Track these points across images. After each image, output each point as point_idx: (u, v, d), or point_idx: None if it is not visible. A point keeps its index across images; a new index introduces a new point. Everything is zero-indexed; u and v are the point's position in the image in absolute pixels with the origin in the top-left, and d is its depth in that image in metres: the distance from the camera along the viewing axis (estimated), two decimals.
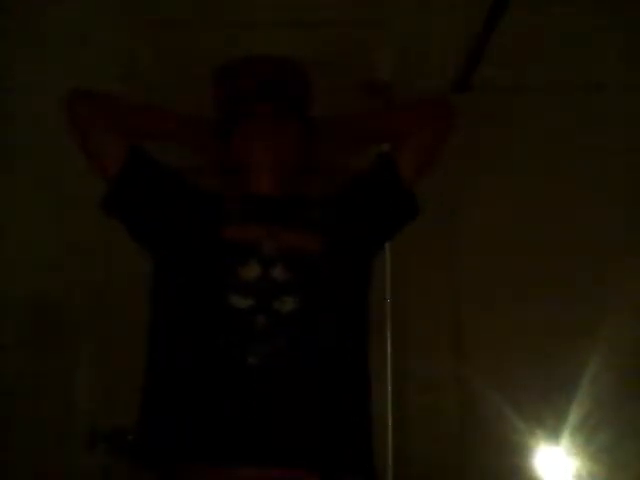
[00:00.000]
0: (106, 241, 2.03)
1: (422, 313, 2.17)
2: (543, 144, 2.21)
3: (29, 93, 2.18)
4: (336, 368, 1.55)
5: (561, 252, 2.16)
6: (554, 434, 1.98)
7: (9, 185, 2.16)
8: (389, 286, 2.15)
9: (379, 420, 2.10)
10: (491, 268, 2.15)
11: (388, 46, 2.23)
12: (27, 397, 2.04)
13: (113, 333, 2.07)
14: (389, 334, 2.14)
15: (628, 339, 2.04)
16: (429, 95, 1.90)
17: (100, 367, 2.06)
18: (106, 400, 2.03)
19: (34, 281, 2.11)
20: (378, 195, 1.72)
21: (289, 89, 1.65)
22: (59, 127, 1.73)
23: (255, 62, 1.68)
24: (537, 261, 2.15)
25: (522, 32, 2.17)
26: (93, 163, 1.66)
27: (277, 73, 1.65)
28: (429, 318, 2.15)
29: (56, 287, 2.10)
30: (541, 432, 1.99)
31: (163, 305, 1.59)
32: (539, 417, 1.98)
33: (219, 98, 1.71)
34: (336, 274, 1.59)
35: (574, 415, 1.94)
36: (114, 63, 2.19)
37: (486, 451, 2.05)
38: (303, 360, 1.51)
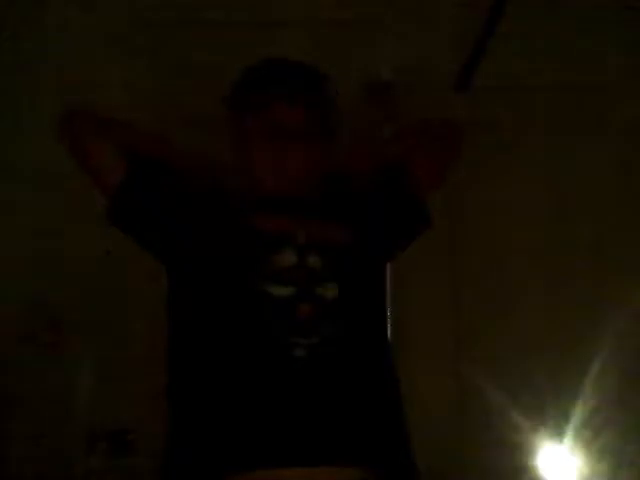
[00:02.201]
0: (107, 241, 2.02)
1: (422, 313, 2.17)
2: (543, 144, 2.22)
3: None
4: (377, 359, 1.52)
5: (561, 253, 2.16)
6: (557, 433, 1.98)
7: (8, 186, 2.15)
8: (389, 286, 2.14)
9: None
10: (492, 267, 2.16)
11: (388, 46, 2.22)
12: (27, 397, 2.03)
13: (113, 333, 2.06)
14: (389, 334, 2.13)
15: (631, 338, 2.05)
16: (436, 119, 1.83)
17: (100, 367, 2.05)
18: (106, 400, 2.02)
19: (34, 281, 2.10)
20: (392, 205, 1.68)
21: (319, 96, 1.61)
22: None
23: (285, 66, 1.64)
24: (537, 261, 2.15)
25: (522, 32, 2.18)
26: (93, 178, 1.62)
27: (307, 80, 1.61)
28: (429, 317, 2.15)
29: (56, 287, 2.09)
30: (544, 431, 1.99)
31: (189, 307, 1.52)
32: (542, 416, 1.98)
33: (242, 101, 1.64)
34: (366, 265, 1.56)
35: (577, 414, 1.94)
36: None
37: (487, 451, 2.04)
38: (349, 350, 1.46)
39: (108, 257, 2.08)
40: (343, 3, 2.25)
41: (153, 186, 1.59)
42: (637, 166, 2.21)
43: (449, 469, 2.07)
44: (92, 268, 2.09)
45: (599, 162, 2.20)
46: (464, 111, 2.18)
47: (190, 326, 1.50)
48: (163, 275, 1.61)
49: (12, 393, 2.04)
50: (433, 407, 2.10)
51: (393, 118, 2.19)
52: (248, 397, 1.40)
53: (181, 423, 1.46)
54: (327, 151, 1.61)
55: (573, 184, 2.20)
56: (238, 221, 1.53)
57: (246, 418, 1.39)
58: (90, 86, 2.14)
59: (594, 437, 1.95)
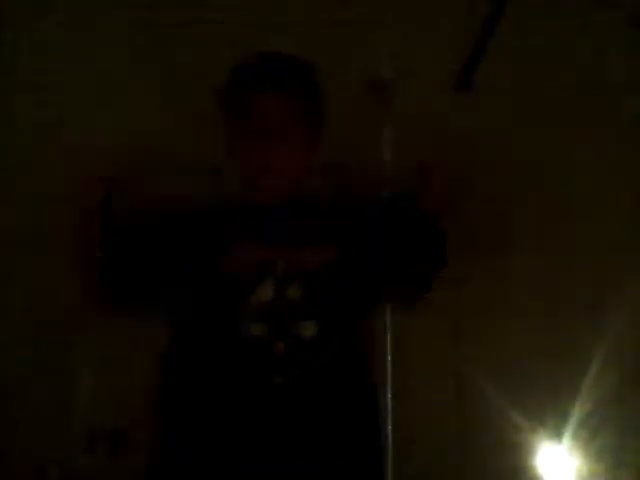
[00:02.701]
0: None
1: (422, 313, 2.17)
2: (543, 144, 2.21)
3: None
4: (354, 393, 1.55)
5: (561, 252, 2.16)
6: (556, 433, 1.98)
7: (7, 188, 2.15)
8: None
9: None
10: (492, 266, 2.15)
11: (388, 46, 2.22)
12: (27, 397, 2.04)
13: (113, 333, 2.05)
14: (389, 334, 2.13)
15: (630, 338, 2.04)
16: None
17: (100, 367, 2.05)
18: (106, 400, 2.02)
19: (34, 281, 2.10)
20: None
21: (299, 84, 1.62)
22: None
23: (267, 58, 1.65)
24: (538, 261, 2.15)
25: (522, 32, 2.17)
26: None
27: (289, 67, 1.63)
28: (429, 318, 2.15)
29: (56, 287, 2.09)
30: (543, 431, 1.98)
31: (179, 344, 1.57)
32: (541, 416, 1.97)
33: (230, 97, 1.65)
34: (350, 286, 1.56)
35: (576, 414, 1.94)
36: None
37: (486, 451, 2.05)
38: (326, 387, 1.49)
39: None
40: (343, 3, 2.25)
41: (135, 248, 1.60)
42: (637, 166, 2.20)
43: (449, 469, 2.07)
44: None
45: (599, 162, 2.20)
46: (464, 111, 2.18)
47: (179, 366, 1.55)
48: None
49: (12, 393, 2.04)
50: (433, 407, 2.10)
51: (393, 118, 2.20)
52: (228, 424, 1.46)
53: (169, 440, 1.54)
54: (315, 143, 1.62)
55: (573, 184, 2.20)
56: (216, 260, 1.52)
57: (224, 447, 1.45)
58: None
59: (592, 437, 1.95)
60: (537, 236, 2.18)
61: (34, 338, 2.07)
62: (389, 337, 2.13)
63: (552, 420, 1.97)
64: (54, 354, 2.07)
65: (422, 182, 1.66)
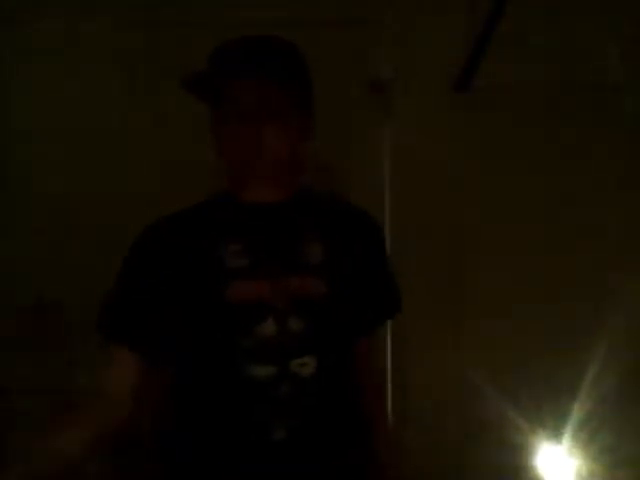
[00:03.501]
0: (105, 241, 2.02)
1: (422, 314, 2.17)
2: (543, 144, 2.21)
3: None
4: (351, 432, 1.51)
5: (561, 252, 2.16)
6: (556, 433, 1.98)
7: (6, 193, 2.15)
8: None
9: None
10: (492, 264, 2.15)
11: (388, 46, 2.22)
12: (27, 397, 2.04)
13: None
14: (389, 335, 2.14)
15: (629, 339, 2.05)
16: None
17: (100, 367, 2.05)
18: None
19: (34, 281, 2.10)
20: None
21: (283, 68, 1.46)
22: None
23: (246, 39, 1.48)
24: (537, 261, 2.15)
25: (522, 32, 2.17)
26: None
27: (271, 50, 1.47)
28: (430, 319, 2.15)
29: (56, 287, 2.09)
30: (543, 431, 1.99)
31: (184, 388, 1.50)
32: (541, 417, 1.98)
33: (209, 81, 1.49)
34: (342, 317, 1.49)
35: (575, 415, 1.94)
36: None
37: (486, 451, 2.05)
38: (325, 427, 1.46)
39: (108, 256, 2.08)
40: (343, 3, 2.25)
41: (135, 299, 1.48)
42: (637, 166, 2.20)
43: (449, 469, 2.08)
44: (92, 268, 2.09)
45: (599, 162, 2.20)
46: (464, 111, 2.18)
47: (185, 407, 1.49)
48: None
49: (12, 393, 2.04)
50: (433, 407, 2.11)
51: (393, 118, 2.20)
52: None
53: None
54: (300, 128, 1.49)
55: (573, 184, 2.20)
56: (214, 300, 1.44)
57: None
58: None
59: (592, 438, 1.95)
60: (537, 235, 2.18)
61: (34, 338, 2.07)
62: (389, 337, 2.13)
63: (552, 420, 1.97)
64: (54, 354, 2.07)
65: None
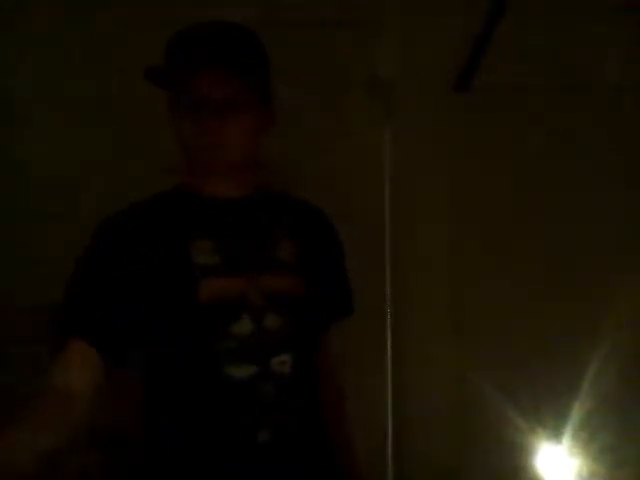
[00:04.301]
0: None
1: (423, 313, 2.17)
2: (543, 144, 2.21)
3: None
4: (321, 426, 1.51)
5: (561, 252, 2.16)
6: (555, 433, 1.98)
7: (8, 193, 2.15)
8: (389, 286, 2.15)
9: (379, 420, 2.11)
10: (492, 264, 2.15)
11: (388, 46, 2.22)
12: (27, 397, 2.03)
13: None
14: (389, 334, 2.14)
15: (629, 339, 2.05)
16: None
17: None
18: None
19: (34, 282, 2.10)
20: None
21: (248, 58, 1.42)
22: None
23: (204, 26, 1.44)
24: (537, 261, 2.15)
25: (522, 32, 2.17)
26: None
27: (236, 39, 1.43)
28: (430, 319, 2.15)
29: (56, 287, 2.09)
30: (542, 431, 1.98)
31: (157, 387, 1.44)
32: (540, 417, 1.98)
33: (170, 70, 1.43)
34: (315, 313, 1.48)
35: (575, 414, 1.94)
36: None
37: (486, 451, 2.05)
38: (308, 427, 1.45)
39: None
40: (343, 3, 2.25)
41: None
42: (637, 166, 2.20)
43: (449, 469, 2.08)
44: None
45: (599, 162, 2.20)
46: (464, 111, 2.18)
47: (165, 410, 1.43)
48: None
49: (12, 393, 2.04)
50: (433, 407, 2.11)
51: (393, 118, 2.20)
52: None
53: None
54: (262, 121, 1.45)
55: (573, 184, 2.20)
56: (185, 300, 1.38)
57: None
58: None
59: (592, 438, 1.95)
60: (537, 235, 2.18)
61: (34, 338, 2.07)
62: (389, 337, 2.13)
63: (552, 420, 1.97)
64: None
65: None
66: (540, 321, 2.08)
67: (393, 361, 2.12)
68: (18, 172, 2.13)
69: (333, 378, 1.63)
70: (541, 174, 2.20)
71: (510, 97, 2.19)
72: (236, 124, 1.39)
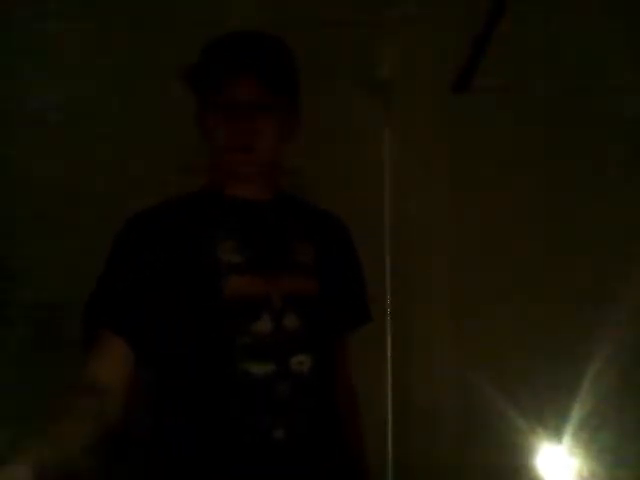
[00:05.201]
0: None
1: (423, 313, 2.17)
2: (543, 144, 2.22)
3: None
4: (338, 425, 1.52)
5: (561, 252, 2.16)
6: (556, 433, 1.98)
7: (8, 194, 2.15)
8: (389, 285, 2.15)
9: (379, 420, 2.11)
10: (492, 264, 2.16)
11: (388, 46, 2.22)
12: (27, 397, 2.04)
13: None
14: (389, 334, 2.14)
15: (629, 339, 2.05)
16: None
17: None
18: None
19: (35, 282, 2.10)
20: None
21: (273, 64, 1.47)
22: None
23: (242, 35, 1.49)
24: (537, 261, 2.15)
25: (522, 32, 2.17)
26: None
27: (263, 46, 1.48)
28: (430, 319, 2.16)
29: (56, 286, 2.09)
30: (543, 431, 1.99)
31: (172, 383, 1.45)
32: (541, 416, 1.98)
33: (200, 77, 1.49)
34: (332, 316, 1.51)
35: (576, 414, 1.94)
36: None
37: (486, 451, 2.05)
38: (323, 427, 1.45)
39: None
40: (344, 3, 2.25)
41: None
42: (637, 166, 2.20)
43: (449, 469, 2.08)
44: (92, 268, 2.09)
45: (599, 162, 2.20)
46: (464, 111, 2.18)
47: (180, 405, 1.44)
48: None
49: (12, 393, 2.04)
50: (433, 407, 2.11)
51: (393, 118, 2.20)
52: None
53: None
54: (288, 129, 1.51)
55: (573, 184, 2.20)
56: (209, 296, 1.41)
57: None
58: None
59: (592, 438, 1.95)
60: (537, 235, 2.18)
61: (34, 338, 2.07)
62: (389, 337, 2.13)
63: (552, 420, 1.97)
64: (54, 354, 2.07)
65: None
66: (540, 321, 2.08)
67: (393, 361, 2.13)
68: (18, 172, 2.13)
69: (349, 379, 1.65)
70: (541, 173, 2.20)
71: (510, 97, 2.19)
72: (267, 127, 1.45)
